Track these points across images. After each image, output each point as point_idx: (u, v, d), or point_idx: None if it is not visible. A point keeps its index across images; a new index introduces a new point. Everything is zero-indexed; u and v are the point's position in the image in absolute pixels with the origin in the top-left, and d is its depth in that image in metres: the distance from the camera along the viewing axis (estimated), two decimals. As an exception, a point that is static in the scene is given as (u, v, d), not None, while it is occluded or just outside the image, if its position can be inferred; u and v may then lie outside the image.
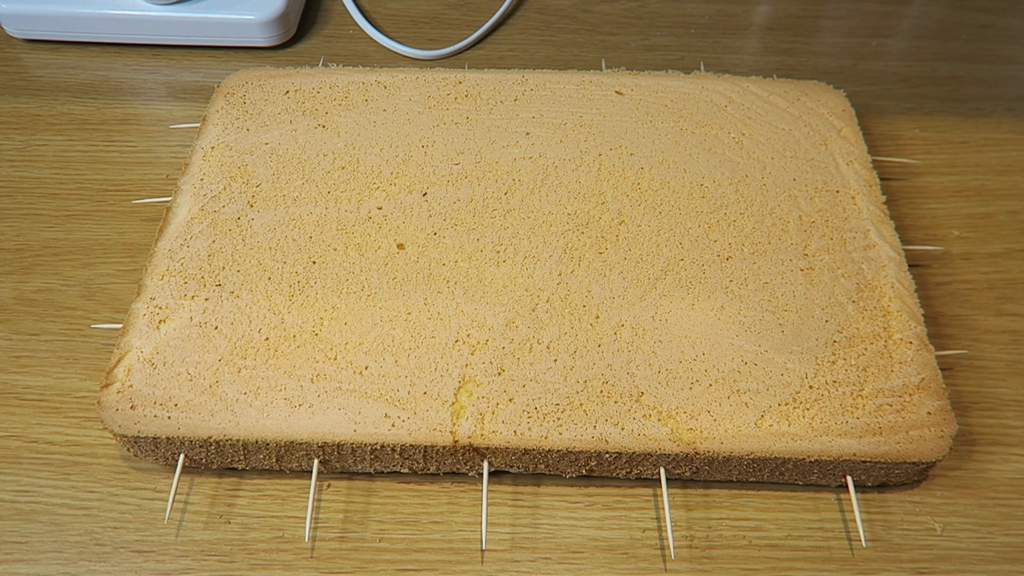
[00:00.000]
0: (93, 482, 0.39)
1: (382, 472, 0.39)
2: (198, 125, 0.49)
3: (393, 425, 0.37)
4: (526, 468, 0.38)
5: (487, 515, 0.37)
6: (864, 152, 0.47)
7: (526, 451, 0.37)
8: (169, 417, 0.37)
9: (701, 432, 0.37)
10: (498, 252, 0.43)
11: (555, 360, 0.39)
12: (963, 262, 0.48)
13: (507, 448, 0.37)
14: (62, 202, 0.49)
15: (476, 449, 0.37)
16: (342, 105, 0.49)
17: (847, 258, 0.43)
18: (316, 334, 0.39)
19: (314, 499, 0.37)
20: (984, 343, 0.44)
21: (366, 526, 0.38)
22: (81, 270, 0.46)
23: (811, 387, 0.38)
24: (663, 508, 0.38)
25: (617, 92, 0.50)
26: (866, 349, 0.39)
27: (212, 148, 0.47)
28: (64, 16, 0.56)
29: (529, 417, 0.37)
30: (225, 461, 0.38)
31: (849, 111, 0.50)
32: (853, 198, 0.45)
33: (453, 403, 0.37)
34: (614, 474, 0.39)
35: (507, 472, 0.39)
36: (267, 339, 0.39)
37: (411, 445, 0.37)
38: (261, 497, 0.39)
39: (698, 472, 0.38)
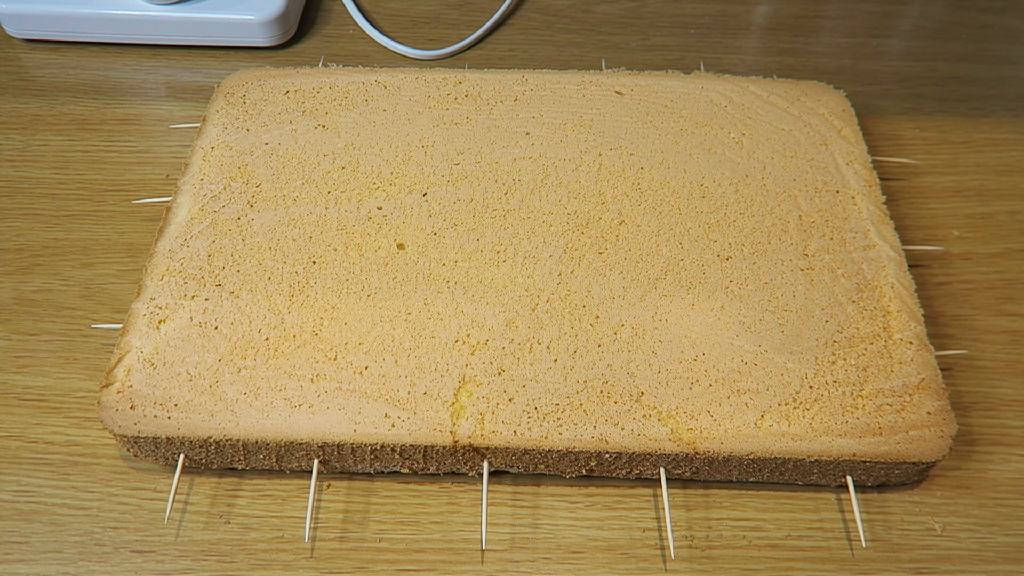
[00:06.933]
0: (93, 482, 0.39)
1: (382, 472, 0.39)
2: (198, 125, 0.49)
3: (393, 425, 0.37)
4: (526, 468, 0.38)
5: (487, 515, 0.37)
6: (864, 152, 0.47)
7: (526, 451, 0.37)
8: (169, 417, 0.37)
9: (701, 432, 0.37)
10: (498, 252, 0.42)
11: (555, 360, 0.39)
12: (963, 262, 0.48)
13: (507, 448, 0.37)
14: (62, 202, 0.49)
15: (476, 449, 0.37)
16: (342, 105, 0.49)
17: (847, 258, 0.43)
18: (316, 334, 0.39)
19: (314, 499, 0.37)
20: (984, 343, 0.44)
21: (366, 526, 0.38)
22: (81, 270, 0.46)
23: (811, 387, 0.38)
24: (663, 508, 0.38)
25: (617, 92, 0.50)
26: (866, 349, 0.39)
27: (212, 148, 0.47)
28: (64, 16, 0.56)
29: (529, 417, 0.37)
30: (225, 461, 0.38)
31: (849, 111, 0.50)
32: (853, 198, 0.45)
33: (453, 403, 0.37)
34: (614, 474, 0.39)
35: (507, 472, 0.39)
36: (267, 339, 0.39)
37: (411, 445, 0.37)
38: (261, 497, 0.39)
39: (698, 472, 0.38)
